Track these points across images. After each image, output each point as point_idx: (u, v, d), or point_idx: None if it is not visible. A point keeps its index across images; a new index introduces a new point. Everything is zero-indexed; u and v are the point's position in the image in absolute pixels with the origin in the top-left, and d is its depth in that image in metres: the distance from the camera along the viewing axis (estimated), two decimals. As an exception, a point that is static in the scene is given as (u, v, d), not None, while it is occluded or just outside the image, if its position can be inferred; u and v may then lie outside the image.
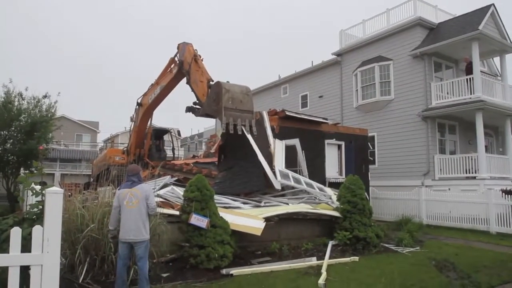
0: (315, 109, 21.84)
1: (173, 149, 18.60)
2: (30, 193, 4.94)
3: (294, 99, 24.26)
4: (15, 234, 3.42)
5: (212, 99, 10.71)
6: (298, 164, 12.36)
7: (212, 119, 22.36)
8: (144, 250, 5.33)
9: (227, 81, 11.23)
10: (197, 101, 11.62)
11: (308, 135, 13.40)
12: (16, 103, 16.86)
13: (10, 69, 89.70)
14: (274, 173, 10.57)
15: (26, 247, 3.49)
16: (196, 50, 12.12)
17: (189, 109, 11.98)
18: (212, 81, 11.25)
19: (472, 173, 15.13)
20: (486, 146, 16.51)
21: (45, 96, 17.70)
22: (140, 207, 5.33)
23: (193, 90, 11.81)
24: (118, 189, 5.66)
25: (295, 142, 12.25)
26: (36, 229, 3.50)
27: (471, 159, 15.32)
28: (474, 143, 16.13)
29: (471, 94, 15.53)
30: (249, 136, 10.73)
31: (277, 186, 10.47)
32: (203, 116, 11.68)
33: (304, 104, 23.47)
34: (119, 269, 5.36)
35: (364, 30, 20.17)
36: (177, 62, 12.62)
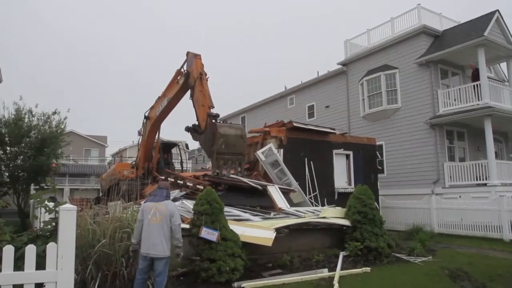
0: (322, 119, 21.86)
1: (181, 162, 18.67)
2: (43, 210, 4.99)
3: (301, 109, 24.30)
4: (30, 251, 3.46)
5: (208, 137, 10.98)
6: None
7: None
8: (164, 266, 5.31)
9: (225, 120, 11.50)
10: (197, 124, 11.78)
11: (316, 145, 13.40)
12: (26, 120, 17.07)
13: (18, 84, 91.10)
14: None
15: (40, 264, 3.52)
16: (203, 65, 12.20)
17: (188, 130, 12.12)
18: (213, 107, 11.37)
19: (483, 180, 14.97)
20: (496, 152, 16.36)
21: (54, 113, 17.90)
22: (163, 223, 5.34)
23: (194, 108, 11.96)
24: (144, 202, 5.69)
25: (270, 146, 12.34)
26: (51, 247, 3.54)
27: (481, 165, 15.18)
28: (484, 150, 16.00)
29: (478, 100, 15.45)
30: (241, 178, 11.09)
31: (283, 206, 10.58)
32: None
33: (310, 115, 23.49)
34: (137, 284, 5.35)
35: (369, 39, 20.25)
36: (184, 72, 12.75)
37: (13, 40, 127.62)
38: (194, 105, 11.99)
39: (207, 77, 12.00)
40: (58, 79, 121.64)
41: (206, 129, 11.11)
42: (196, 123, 11.79)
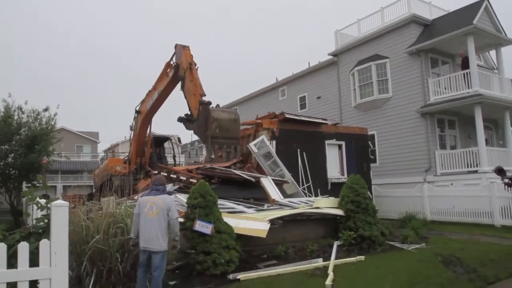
0: (313, 110, 21.88)
1: (174, 156, 18.61)
2: (35, 207, 4.96)
3: (292, 101, 24.30)
4: (23, 249, 3.44)
5: (201, 123, 10.97)
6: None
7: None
8: (161, 259, 5.33)
9: (217, 105, 11.45)
10: (189, 113, 11.76)
11: (308, 136, 13.44)
12: (15, 117, 16.89)
13: (9, 81, 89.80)
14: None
15: (33, 261, 3.50)
16: (192, 55, 12.20)
17: (180, 120, 12.12)
18: (205, 95, 11.37)
19: (474, 167, 15.15)
20: (486, 140, 16.53)
21: (45, 110, 17.76)
22: (160, 217, 5.35)
23: (186, 99, 11.96)
24: (140, 196, 5.67)
25: (262, 137, 12.32)
26: (44, 243, 3.52)
27: (472, 153, 15.35)
28: (474, 137, 16.15)
29: (468, 88, 15.57)
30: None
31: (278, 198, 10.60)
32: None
33: (302, 106, 23.51)
34: (139, 277, 5.42)
35: (359, 29, 20.25)
36: (173, 65, 12.74)
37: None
38: (185, 96, 11.99)
39: (196, 67, 12.01)
40: (47, 73, 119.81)
41: (198, 116, 11.10)
42: (189, 113, 11.79)
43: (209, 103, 11.15)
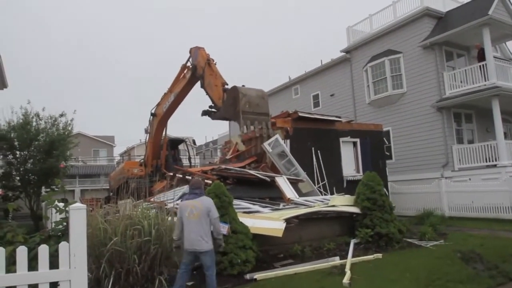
0: (327, 108, 21.77)
1: (189, 158, 18.77)
2: (54, 210, 5.06)
3: (306, 99, 24.22)
4: (43, 251, 3.51)
5: (229, 104, 10.99)
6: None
7: (225, 125, 22.72)
8: (210, 259, 5.52)
9: (243, 85, 11.47)
10: (213, 105, 11.83)
11: (322, 134, 13.36)
12: (34, 124, 17.22)
13: (23, 86, 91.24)
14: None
15: (53, 263, 3.57)
16: (208, 54, 12.31)
17: (205, 113, 12.20)
18: (227, 84, 11.48)
19: (493, 161, 14.85)
20: (505, 133, 16.20)
21: (61, 115, 18.06)
22: (201, 219, 5.53)
23: (208, 94, 12.03)
24: (181, 201, 6.00)
25: (276, 136, 12.20)
26: (63, 246, 3.58)
27: (491, 147, 15.05)
28: (492, 131, 15.84)
29: (485, 80, 15.27)
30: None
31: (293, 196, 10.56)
32: (219, 119, 11.98)
33: (316, 104, 23.41)
34: (179, 274, 5.63)
35: (371, 25, 20.07)
36: (190, 67, 12.84)
37: (11, 41, 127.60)
38: (207, 92, 12.05)
39: (214, 62, 12.12)
40: (60, 79, 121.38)
41: (225, 99, 11.20)
42: (212, 105, 11.91)
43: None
